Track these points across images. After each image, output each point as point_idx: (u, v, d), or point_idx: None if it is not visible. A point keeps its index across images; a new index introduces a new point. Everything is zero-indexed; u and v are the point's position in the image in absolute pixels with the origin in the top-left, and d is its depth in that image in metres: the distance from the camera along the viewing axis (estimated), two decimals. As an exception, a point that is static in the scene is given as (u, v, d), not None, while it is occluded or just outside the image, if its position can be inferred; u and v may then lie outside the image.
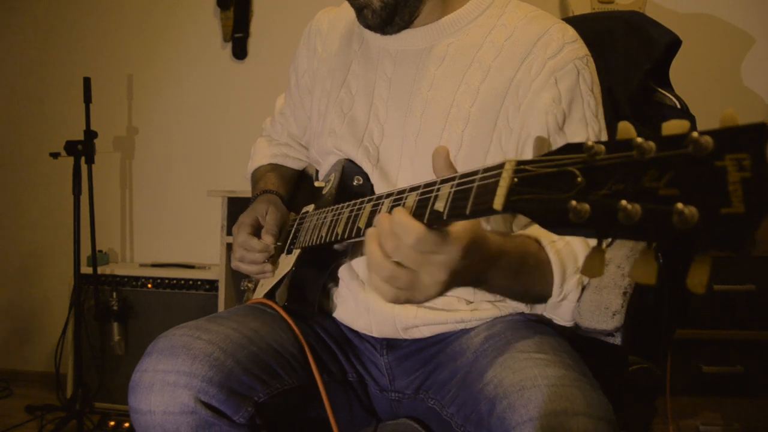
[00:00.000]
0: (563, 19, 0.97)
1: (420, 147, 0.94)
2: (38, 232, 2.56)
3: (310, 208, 1.08)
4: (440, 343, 0.95)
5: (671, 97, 1.22)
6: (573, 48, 0.91)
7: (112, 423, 2.04)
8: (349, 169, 0.99)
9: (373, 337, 0.99)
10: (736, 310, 1.70)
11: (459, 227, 0.61)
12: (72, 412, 1.97)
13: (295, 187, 1.27)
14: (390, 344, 0.98)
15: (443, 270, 0.60)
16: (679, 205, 0.37)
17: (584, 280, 0.87)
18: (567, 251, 0.85)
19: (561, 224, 0.45)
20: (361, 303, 0.97)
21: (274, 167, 1.25)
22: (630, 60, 1.23)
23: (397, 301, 0.63)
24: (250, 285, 1.23)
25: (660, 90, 1.24)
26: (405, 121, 0.96)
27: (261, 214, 1.08)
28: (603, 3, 1.98)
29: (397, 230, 0.59)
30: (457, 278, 0.62)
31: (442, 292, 0.63)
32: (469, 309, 0.94)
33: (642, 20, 1.30)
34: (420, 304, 0.72)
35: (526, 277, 0.80)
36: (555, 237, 0.86)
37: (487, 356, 0.82)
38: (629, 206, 0.40)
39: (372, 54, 1.03)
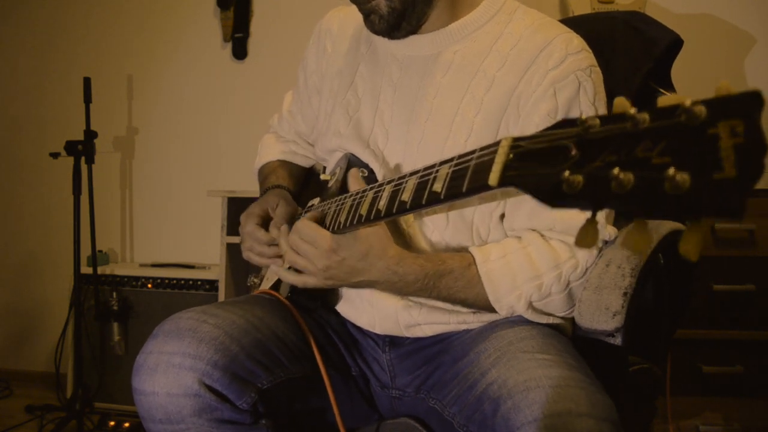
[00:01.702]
0: (564, 20, 0.97)
1: (422, 154, 0.94)
2: (38, 232, 2.56)
3: (316, 200, 1.09)
4: (442, 343, 0.96)
5: (672, 97, 1.22)
6: (576, 59, 0.89)
7: (112, 423, 2.04)
8: (354, 162, 0.99)
9: (375, 334, 1.00)
10: (736, 310, 1.70)
11: (337, 235, 0.84)
12: (72, 412, 1.96)
13: (303, 183, 1.27)
14: (392, 341, 0.99)
15: (318, 259, 0.85)
16: (671, 171, 0.37)
17: (529, 296, 0.88)
18: (502, 271, 0.88)
19: (555, 196, 0.46)
20: (365, 299, 0.98)
21: (283, 163, 1.25)
22: (631, 60, 1.22)
23: (297, 281, 0.91)
24: (256, 281, 1.23)
25: (661, 90, 1.23)
26: (408, 128, 0.96)
27: (271, 207, 1.07)
28: (603, 3, 1.98)
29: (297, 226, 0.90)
30: (334, 268, 0.85)
31: (328, 279, 0.86)
32: (471, 311, 0.94)
33: (642, 20, 1.30)
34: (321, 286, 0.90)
35: (446, 288, 0.88)
36: (492, 256, 0.89)
37: (490, 356, 0.82)
38: (621, 175, 0.40)
39: (379, 57, 1.02)
